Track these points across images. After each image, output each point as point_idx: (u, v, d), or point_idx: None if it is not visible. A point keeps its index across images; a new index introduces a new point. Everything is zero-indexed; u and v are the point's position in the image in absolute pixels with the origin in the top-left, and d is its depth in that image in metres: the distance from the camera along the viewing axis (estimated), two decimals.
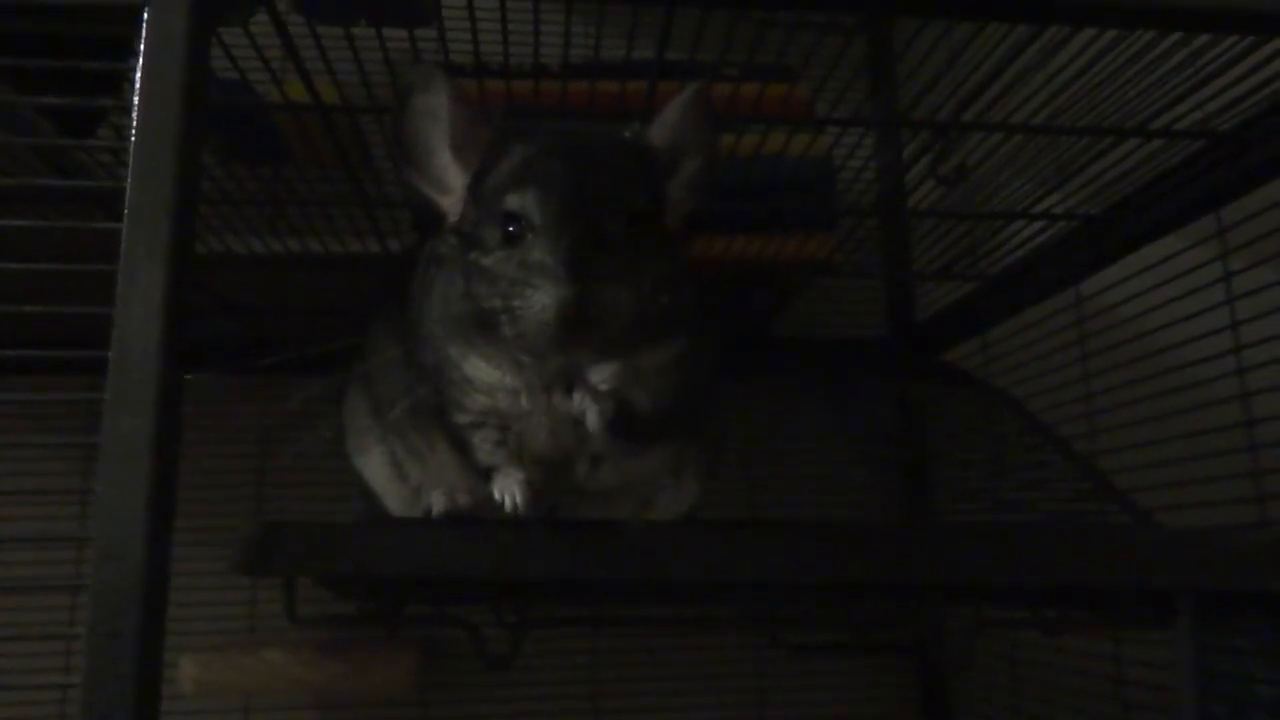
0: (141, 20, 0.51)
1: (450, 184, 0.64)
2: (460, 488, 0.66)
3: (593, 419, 0.61)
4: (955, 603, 0.99)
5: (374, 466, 0.75)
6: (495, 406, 0.63)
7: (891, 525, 1.04)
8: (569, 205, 0.56)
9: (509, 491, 0.62)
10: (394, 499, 0.75)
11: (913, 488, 1.22)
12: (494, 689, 1.17)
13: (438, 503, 0.65)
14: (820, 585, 0.72)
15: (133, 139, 0.50)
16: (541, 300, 0.54)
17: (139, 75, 0.51)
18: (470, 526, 0.62)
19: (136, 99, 0.50)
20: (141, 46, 0.51)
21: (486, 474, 0.65)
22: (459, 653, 1.15)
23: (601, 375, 0.61)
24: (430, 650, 1.06)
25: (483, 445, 0.65)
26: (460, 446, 0.66)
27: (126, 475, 0.48)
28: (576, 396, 0.61)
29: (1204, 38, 0.71)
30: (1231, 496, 0.79)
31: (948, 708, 1.21)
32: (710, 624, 1.15)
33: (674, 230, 0.66)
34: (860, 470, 1.26)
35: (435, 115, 0.63)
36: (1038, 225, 0.99)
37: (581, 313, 0.53)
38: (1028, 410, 1.04)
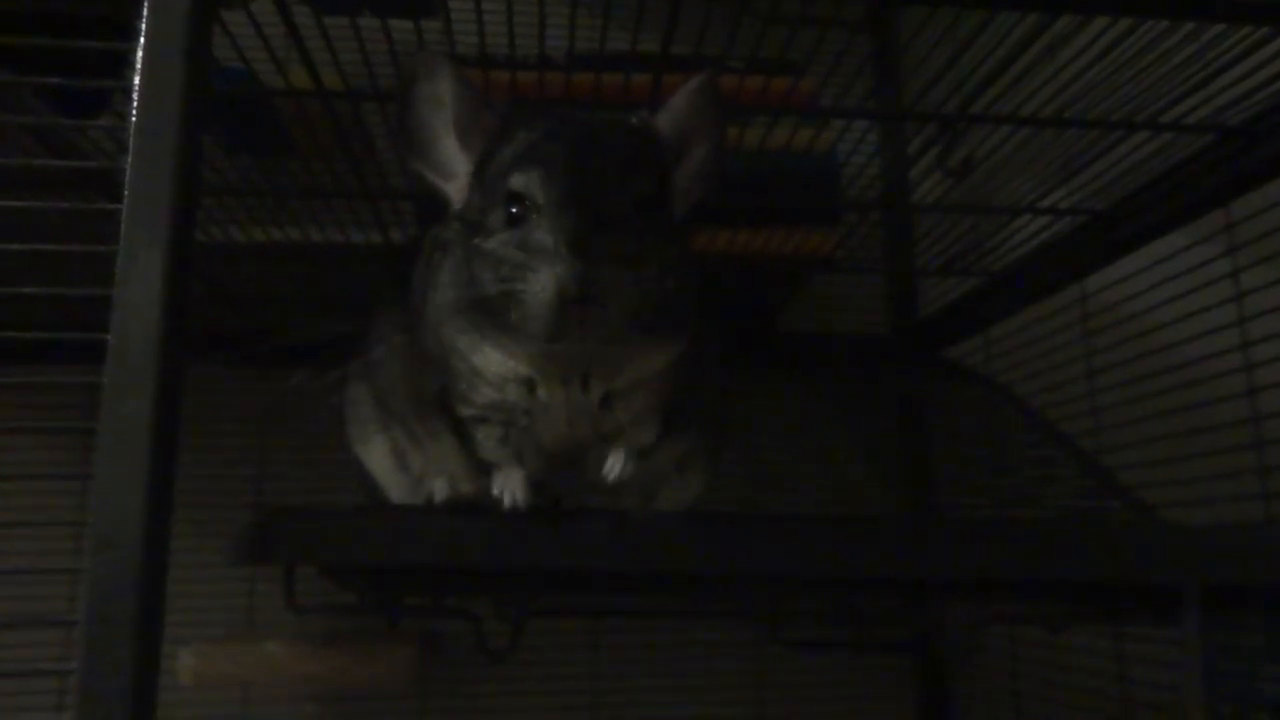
0: None
1: (455, 170, 0.64)
2: (462, 476, 0.66)
3: (614, 471, 0.62)
4: (958, 599, 0.99)
5: (375, 456, 0.74)
6: (503, 400, 0.62)
7: (894, 519, 1.03)
8: (572, 185, 0.55)
9: (510, 490, 0.61)
10: (396, 489, 0.74)
11: (915, 484, 1.21)
12: (493, 681, 1.17)
13: (440, 490, 0.64)
14: (822, 579, 0.71)
15: (133, 119, 0.49)
16: (542, 280, 0.53)
17: (140, 55, 0.51)
18: (473, 515, 0.62)
19: (137, 79, 0.50)
20: (143, 26, 0.51)
21: (487, 467, 0.65)
22: (458, 645, 1.15)
23: (624, 390, 0.61)
24: (429, 642, 1.06)
25: (485, 442, 0.64)
26: (463, 436, 0.66)
27: (125, 460, 0.48)
28: (609, 460, 0.62)
29: (1215, 29, 0.70)
30: (1237, 494, 0.78)
31: (948, 705, 1.21)
32: (710, 618, 1.14)
33: (679, 221, 0.65)
34: (862, 466, 1.25)
35: (439, 101, 0.63)
36: (1043, 220, 0.98)
37: (583, 292, 0.52)
38: (1031, 407, 1.04)
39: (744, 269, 1.07)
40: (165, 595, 0.49)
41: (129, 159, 0.49)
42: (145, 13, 0.51)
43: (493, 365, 0.61)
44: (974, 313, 1.12)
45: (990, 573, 0.67)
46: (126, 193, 0.49)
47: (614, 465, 0.62)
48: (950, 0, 0.71)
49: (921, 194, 1.09)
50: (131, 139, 0.50)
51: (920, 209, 1.13)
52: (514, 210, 0.57)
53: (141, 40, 0.51)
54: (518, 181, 0.57)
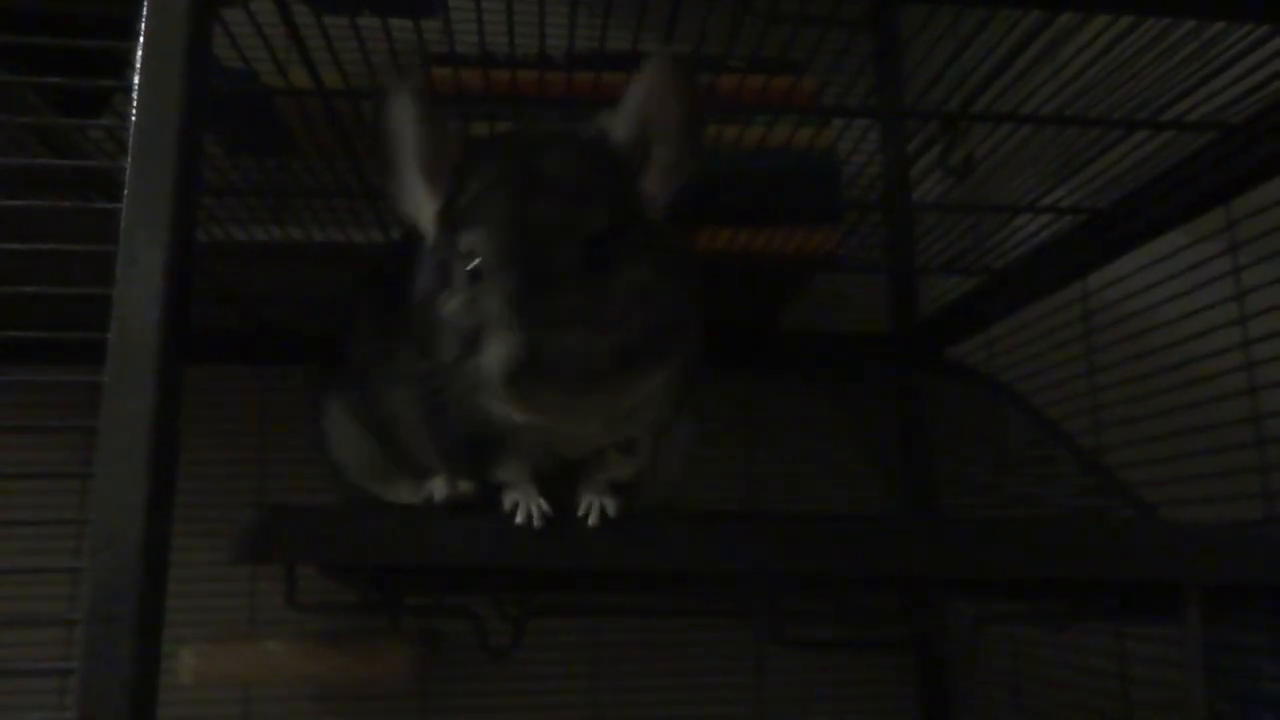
0: None
1: (423, 205, 0.61)
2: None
3: (594, 517, 0.60)
4: (960, 597, 0.99)
5: (386, 494, 0.74)
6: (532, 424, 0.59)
7: (894, 519, 1.04)
8: (516, 243, 0.53)
9: (524, 507, 0.59)
10: (393, 495, 0.74)
11: (916, 483, 1.21)
12: (493, 680, 1.17)
13: (439, 490, 0.64)
14: (822, 577, 0.71)
15: (133, 118, 0.49)
16: (494, 351, 0.51)
17: (140, 54, 0.51)
18: (473, 515, 0.62)
19: (137, 79, 0.50)
20: (143, 25, 0.51)
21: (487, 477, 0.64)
22: (459, 643, 1.15)
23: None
24: (430, 641, 1.06)
25: (510, 463, 0.63)
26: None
27: (126, 459, 0.48)
28: (582, 505, 0.61)
29: (1216, 27, 0.70)
30: (1237, 493, 0.78)
31: (948, 705, 1.21)
32: (711, 616, 1.14)
33: (657, 224, 0.61)
34: (863, 465, 1.25)
35: (403, 136, 0.60)
36: (1044, 219, 0.98)
37: (535, 359, 0.51)
38: (1032, 406, 1.04)
39: (745, 268, 1.07)
40: (166, 594, 0.49)
41: (129, 158, 0.49)
42: (145, 12, 0.51)
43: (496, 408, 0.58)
44: (975, 311, 1.12)
45: (990, 572, 0.67)
46: (127, 192, 0.49)
47: (593, 514, 0.60)
48: None
49: (922, 193, 1.09)
50: (131, 138, 0.50)
51: (921, 208, 1.13)
52: (470, 268, 0.55)
53: (141, 40, 0.51)
54: (466, 240, 0.55)
